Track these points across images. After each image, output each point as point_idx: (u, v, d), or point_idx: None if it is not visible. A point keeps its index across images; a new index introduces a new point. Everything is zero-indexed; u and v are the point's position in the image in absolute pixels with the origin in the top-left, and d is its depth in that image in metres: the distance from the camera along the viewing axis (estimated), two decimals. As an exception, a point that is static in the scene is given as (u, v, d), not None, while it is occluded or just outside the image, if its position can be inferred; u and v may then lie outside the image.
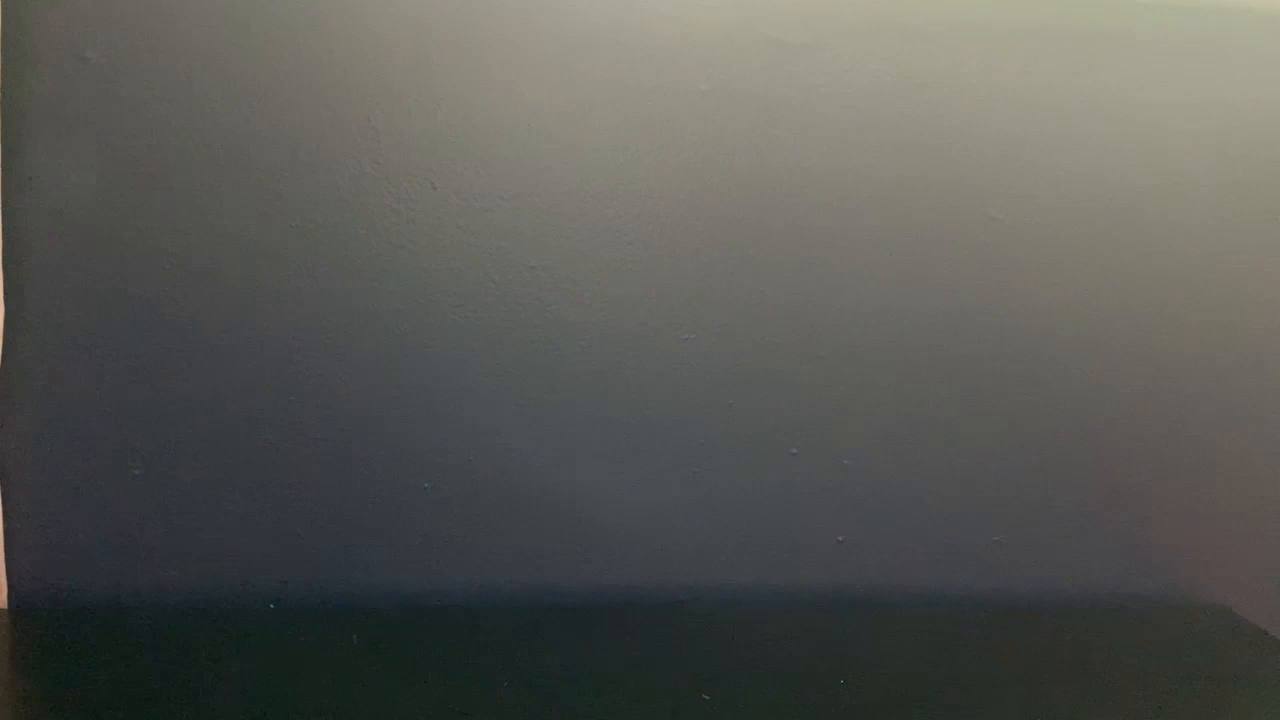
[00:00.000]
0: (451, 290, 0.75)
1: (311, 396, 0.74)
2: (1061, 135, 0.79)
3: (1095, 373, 0.83)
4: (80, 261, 0.70)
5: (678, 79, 0.74)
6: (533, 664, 0.69)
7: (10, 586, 0.72)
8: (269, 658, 0.67)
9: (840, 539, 0.82)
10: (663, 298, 0.77)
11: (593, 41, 0.73)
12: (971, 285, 0.80)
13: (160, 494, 0.73)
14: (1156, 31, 0.79)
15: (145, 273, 0.71)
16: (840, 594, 0.83)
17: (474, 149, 0.73)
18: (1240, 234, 0.83)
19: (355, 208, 0.72)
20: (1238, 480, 0.86)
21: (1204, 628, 0.82)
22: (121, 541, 0.73)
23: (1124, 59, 0.79)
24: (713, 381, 0.78)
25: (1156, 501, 0.86)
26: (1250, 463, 0.86)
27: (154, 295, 0.71)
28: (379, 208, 0.73)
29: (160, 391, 0.72)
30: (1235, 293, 0.84)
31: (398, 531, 0.77)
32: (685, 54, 0.74)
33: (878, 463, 0.81)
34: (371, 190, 0.72)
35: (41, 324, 0.70)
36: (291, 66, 0.70)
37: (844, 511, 0.82)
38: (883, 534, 0.82)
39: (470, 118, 0.73)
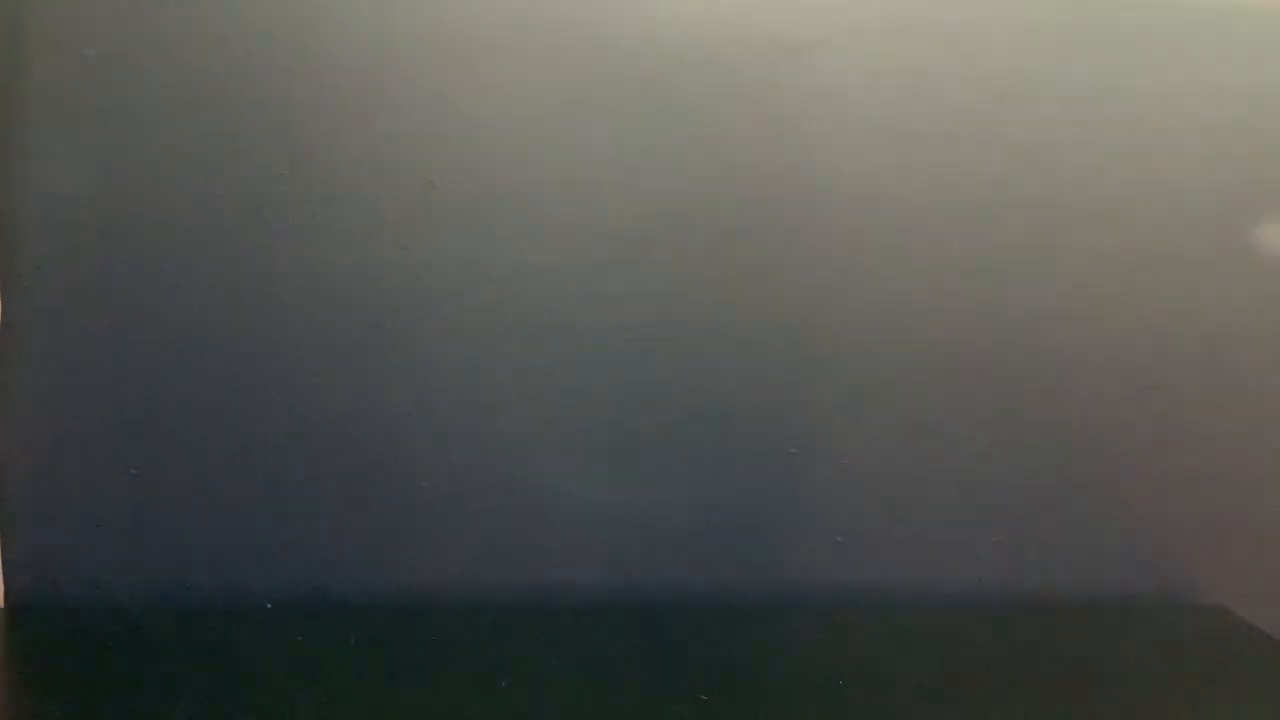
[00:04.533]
0: (451, 289, 0.74)
1: (310, 396, 0.74)
2: (1070, 134, 0.79)
3: (1096, 372, 0.83)
4: (78, 261, 0.70)
5: (679, 78, 0.74)
6: (531, 664, 0.69)
7: (8, 585, 0.72)
8: (267, 657, 0.67)
9: (840, 539, 0.82)
10: (663, 297, 0.77)
11: (593, 40, 0.73)
12: (973, 285, 0.80)
13: (159, 494, 0.73)
14: (1168, 30, 0.79)
15: (144, 272, 0.71)
16: (840, 594, 0.83)
17: (474, 149, 0.73)
18: (1243, 234, 0.83)
19: (354, 207, 0.72)
20: (1238, 480, 0.86)
21: (1204, 628, 0.82)
22: (120, 541, 0.73)
23: (1137, 57, 0.78)
24: (713, 381, 0.78)
25: (1156, 501, 0.86)
26: (1250, 463, 0.86)
27: (152, 295, 0.71)
28: (378, 207, 0.72)
29: (158, 391, 0.72)
30: (1237, 292, 0.83)
31: (396, 531, 0.76)
32: (686, 53, 0.74)
33: (877, 463, 0.81)
34: (371, 190, 0.72)
35: (39, 323, 0.70)
36: (291, 65, 0.70)
37: (844, 511, 0.82)
38: (883, 534, 0.82)
39: (470, 117, 0.73)
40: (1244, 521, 0.87)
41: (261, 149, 0.70)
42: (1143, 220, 0.81)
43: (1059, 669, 0.73)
